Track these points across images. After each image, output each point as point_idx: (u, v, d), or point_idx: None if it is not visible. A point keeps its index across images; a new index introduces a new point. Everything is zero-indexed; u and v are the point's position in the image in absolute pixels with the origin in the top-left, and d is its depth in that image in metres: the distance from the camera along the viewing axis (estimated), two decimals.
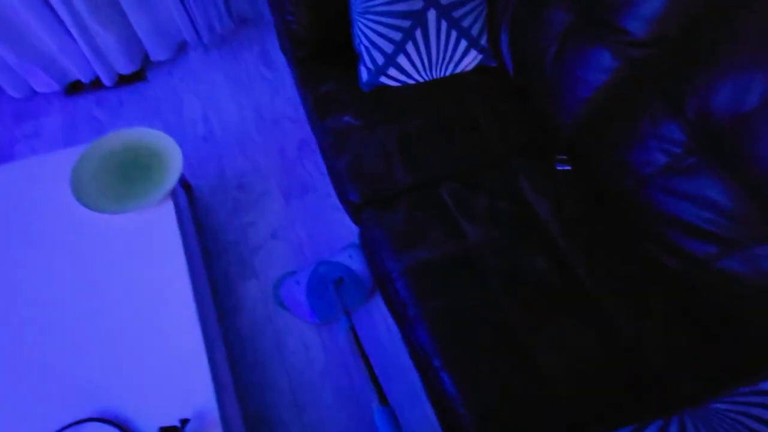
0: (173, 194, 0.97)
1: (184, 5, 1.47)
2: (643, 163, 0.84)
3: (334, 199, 1.34)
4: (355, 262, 1.19)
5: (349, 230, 1.30)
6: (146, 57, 1.58)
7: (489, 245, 0.86)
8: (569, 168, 0.99)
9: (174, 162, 0.97)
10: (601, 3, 0.90)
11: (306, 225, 1.31)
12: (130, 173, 0.97)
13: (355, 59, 1.11)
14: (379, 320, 1.16)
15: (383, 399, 0.82)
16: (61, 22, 1.31)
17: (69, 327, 0.82)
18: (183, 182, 1.27)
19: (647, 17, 0.84)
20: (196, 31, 1.57)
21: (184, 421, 0.71)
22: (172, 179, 0.95)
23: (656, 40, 0.85)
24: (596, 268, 0.85)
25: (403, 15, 1.01)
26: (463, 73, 1.15)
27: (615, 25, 0.88)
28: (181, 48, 1.64)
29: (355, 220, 1.01)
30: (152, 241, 0.92)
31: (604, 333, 0.76)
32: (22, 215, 0.93)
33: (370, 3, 0.99)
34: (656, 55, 0.85)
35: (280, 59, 1.64)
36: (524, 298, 0.79)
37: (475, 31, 1.10)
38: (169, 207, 0.96)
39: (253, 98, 1.55)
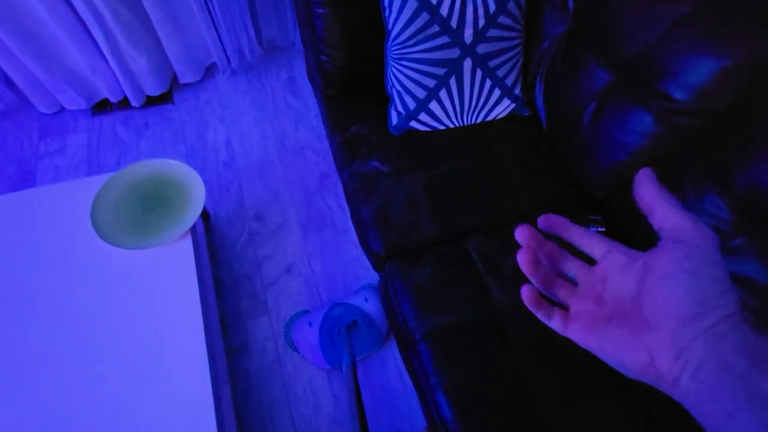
0: (192, 229, 0.95)
1: (216, 30, 1.48)
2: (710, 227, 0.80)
3: (352, 236, 1.32)
4: (371, 306, 1.15)
5: (366, 270, 1.27)
6: (175, 79, 1.59)
7: (517, 311, 0.81)
8: (603, 229, 0.95)
9: (196, 197, 0.95)
10: (645, 67, 0.87)
11: (322, 261, 1.28)
12: (151, 205, 0.95)
13: (385, 101, 1.10)
14: (392, 371, 1.12)
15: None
16: (95, 43, 1.32)
17: (73, 361, 0.80)
18: (202, 211, 1.25)
19: (694, 86, 0.81)
20: (226, 55, 1.58)
21: None
22: (192, 216, 0.92)
23: (703, 110, 0.82)
24: None
25: (440, 63, 0.99)
26: (494, 121, 1.12)
27: (659, 90, 0.85)
28: (209, 71, 1.65)
29: (376, 267, 0.98)
30: (167, 277, 0.90)
31: (642, 424, 0.71)
32: (39, 243, 0.91)
33: (407, 50, 0.98)
34: (703, 125, 0.82)
35: (306, 88, 1.63)
36: (556, 374, 0.74)
37: (509, 81, 1.08)
38: (188, 243, 0.94)
39: (277, 126, 1.54)
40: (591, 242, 0.30)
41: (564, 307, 0.29)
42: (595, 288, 0.28)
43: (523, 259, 0.30)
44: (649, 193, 0.26)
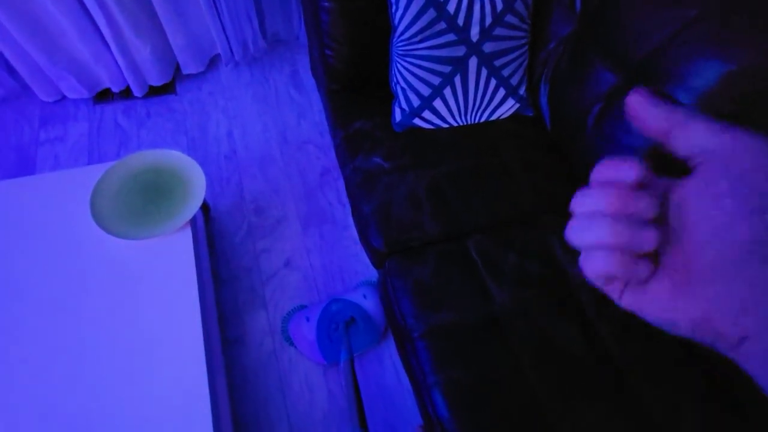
0: (192, 220, 0.95)
1: (221, 21, 1.47)
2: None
3: (352, 232, 1.31)
4: (369, 303, 1.15)
5: (365, 266, 1.27)
6: (178, 69, 1.58)
7: (518, 311, 0.81)
8: None
9: (197, 189, 0.95)
10: (651, 69, 0.87)
11: (321, 256, 1.28)
12: (151, 196, 0.95)
13: (389, 97, 1.09)
14: (389, 368, 1.11)
15: (363, 425, 0.77)
16: (98, 32, 1.32)
17: (68, 349, 0.79)
18: (202, 203, 1.25)
19: (700, 90, 0.80)
20: (230, 47, 1.57)
21: None
22: (193, 207, 0.92)
23: (709, 113, 0.81)
24: (630, 345, 0.80)
25: (445, 60, 0.99)
26: (498, 121, 1.12)
27: (665, 93, 0.85)
28: (213, 63, 1.65)
29: (376, 264, 0.97)
30: (165, 268, 0.89)
31: (641, 426, 0.71)
32: (38, 231, 0.91)
33: (412, 46, 0.97)
34: None
35: (309, 82, 1.63)
36: (555, 375, 0.74)
37: (514, 81, 1.07)
38: (187, 234, 0.93)
39: (279, 120, 1.54)
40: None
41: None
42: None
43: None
44: (657, 115, 0.20)
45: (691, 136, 0.20)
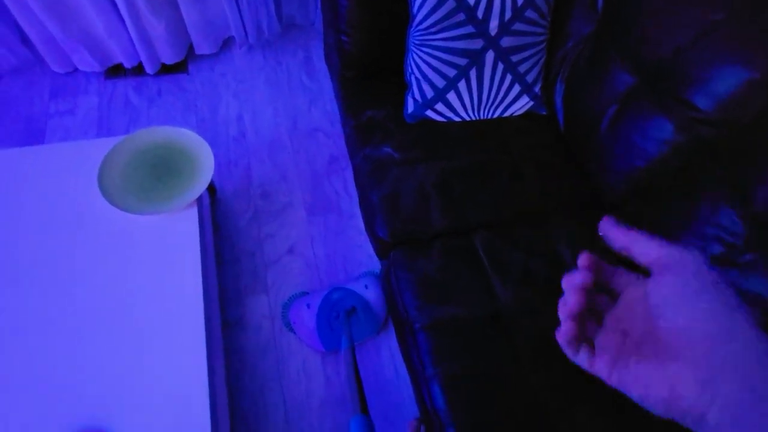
0: (198, 200, 0.95)
1: (237, 2, 1.46)
2: (696, 249, 0.79)
3: (357, 222, 1.31)
4: (371, 293, 1.15)
5: (368, 257, 1.26)
6: (191, 49, 1.57)
7: (521, 309, 0.81)
8: None
9: (205, 168, 0.94)
10: (670, 73, 0.85)
11: (325, 245, 1.27)
12: (159, 172, 0.95)
13: (402, 88, 1.08)
14: (386, 359, 1.11)
15: (364, 409, 0.77)
16: (114, 6, 1.31)
17: (70, 319, 0.80)
18: (209, 184, 1.24)
19: (720, 96, 0.79)
20: (244, 30, 1.56)
21: None
22: (200, 186, 0.92)
23: (727, 121, 0.80)
24: None
25: (461, 53, 0.98)
26: (510, 118, 1.11)
27: (683, 97, 0.83)
28: (226, 44, 1.63)
29: (380, 254, 0.97)
30: (170, 246, 0.89)
31: (636, 427, 0.71)
32: (45, 200, 0.91)
33: (430, 36, 0.96)
34: (725, 136, 0.81)
35: (322, 69, 1.62)
36: (555, 374, 0.74)
37: (530, 78, 1.06)
38: (193, 213, 0.93)
39: (290, 105, 1.53)
40: (620, 277, 0.29)
41: (591, 344, 0.29)
42: (621, 321, 0.28)
43: (570, 284, 0.29)
44: (619, 238, 0.27)
45: (645, 251, 0.25)
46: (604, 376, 0.26)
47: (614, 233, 0.27)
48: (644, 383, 0.24)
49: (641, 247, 0.26)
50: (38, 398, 0.73)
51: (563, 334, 0.28)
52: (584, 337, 0.28)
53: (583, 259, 0.29)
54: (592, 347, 0.28)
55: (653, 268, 0.25)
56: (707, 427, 0.21)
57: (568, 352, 0.28)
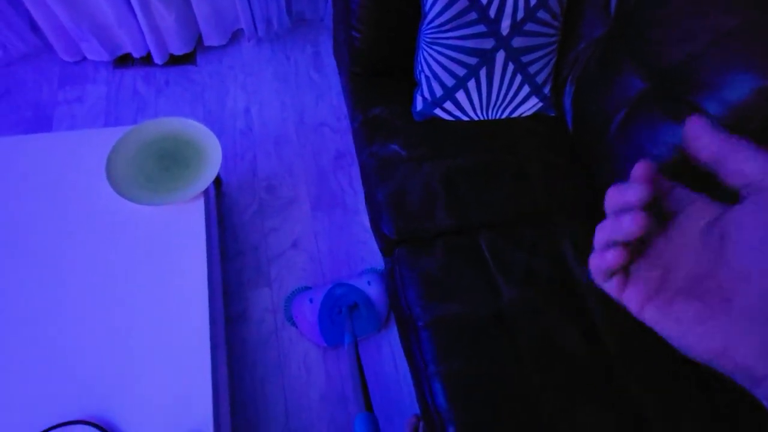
0: (205, 192, 0.95)
1: None
2: None
3: (361, 218, 1.31)
4: (373, 290, 1.15)
5: (372, 254, 1.26)
6: (200, 40, 1.57)
7: (524, 309, 0.81)
8: None
9: (213, 160, 0.95)
10: (682, 78, 0.85)
11: (329, 240, 1.28)
12: (166, 163, 0.95)
13: (411, 85, 1.08)
14: (387, 356, 1.12)
15: (369, 406, 0.78)
16: None
17: (74, 314, 0.80)
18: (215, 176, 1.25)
19: (730, 103, 0.79)
20: (254, 23, 1.56)
21: None
22: (208, 178, 0.92)
23: (736, 128, 0.80)
24: (632, 353, 0.80)
25: (472, 52, 0.97)
26: (519, 119, 1.10)
27: (693, 102, 0.83)
28: (235, 37, 1.63)
29: (385, 251, 0.97)
30: (175, 237, 0.90)
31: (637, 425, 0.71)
32: (52, 188, 0.91)
33: (441, 34, 0.96)
34: None
35: (330, 65, 1.61)
36: (555, 375, 0.74)
37: (540, 79, 1.06)
38: (200, 205, 0.93)
39: (297, 100, 1.53)
40: (680, 197, 0.23)
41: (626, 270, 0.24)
42: (669, 252, 0.22)
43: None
44: (714, 142, 0.20)
45: (745, 162, 0.19)
46: (633, 308, 0.23)
47: (709, 136, 0.20)
48: (689, 330, 0.20)
49: (742, 159, 0.19)
50: (40, 387, 0.73)
51: (600, 262, 0.22)
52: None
53: (640, 169, 0.22)
54: (625, 273, 0.23)
55: (748, 192, 0.19)
56: (763, 389, 0.18)
57: (598, 278, 0.24)
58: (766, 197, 0.18)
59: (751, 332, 0.18)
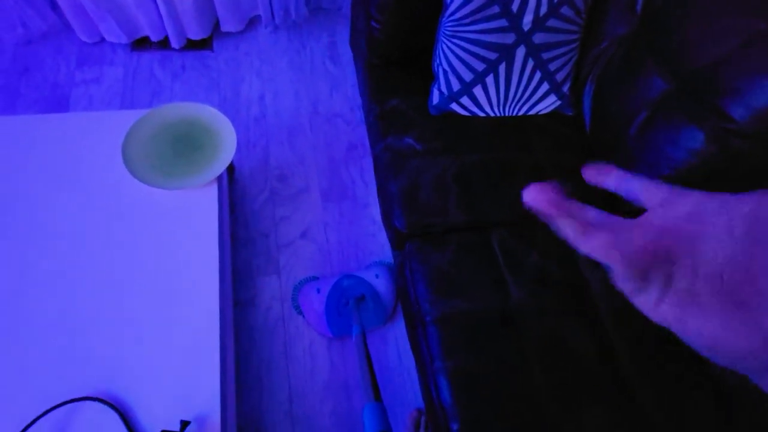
0: (218, 178, 0.95)
1: None
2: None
3: (371, 211, 1.31)
4: (381, 283, 1.15)
5: (380, 247, 1.26)
6: (216, 26, 1.57)
7: (533, 309, 0.80)
8: None
9: (227, 146, 0.95)
10: (707, 81, 0.83)
11: (338, 231, 1.28)
12: (181, 148, 0.95)
13: (428, 78, 1.07)
14: (392, 348, 1.12)
15: (378, 397, 0.78)
16: None
17: (87, 293, 0.81)
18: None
19: (757, 108, 0.77)
20: (272, 10, 1.55)
21: (185, 424, 0.68)
22: (222, 164, 0.92)
23: (761, 134, 0.78)
24: (641, 358, 0.79)
25: (492, 47, 0.96)
26: (535, 116, 1.09)
27: (718, 107, 0.81)
28: (252, 23, 1.63)
29: (395, 245, 0.97)
30: (188, 222, 0.90)
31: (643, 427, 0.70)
32: (68, 168, 0.92)
33: (461, 28, 0.95)
34: (757, 150, 0.79)
35: (346, 55, 1.60)
36: (561, 376, 0.73)
37: (560, 77, 1.04)
38: (213, 191, 0.94)
39: (312, 90, 1.52)
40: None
41: None
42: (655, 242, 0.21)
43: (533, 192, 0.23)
44: (607, 183, 0.24)
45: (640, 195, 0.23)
46: (646, 304, 0.21)
47: (604, 177, 0.24)
48: (725, 327, 0.19)
49: (635, 190, 0.22)
50: (53, 365, 0.74)
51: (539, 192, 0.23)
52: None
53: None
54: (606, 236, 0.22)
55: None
56: None
57: (560, 221, 0.23)
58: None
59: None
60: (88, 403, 0.69)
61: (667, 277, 0.21)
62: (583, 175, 0.26)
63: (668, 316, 0.20)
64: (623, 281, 0.22)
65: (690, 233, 0.20)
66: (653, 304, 0.21)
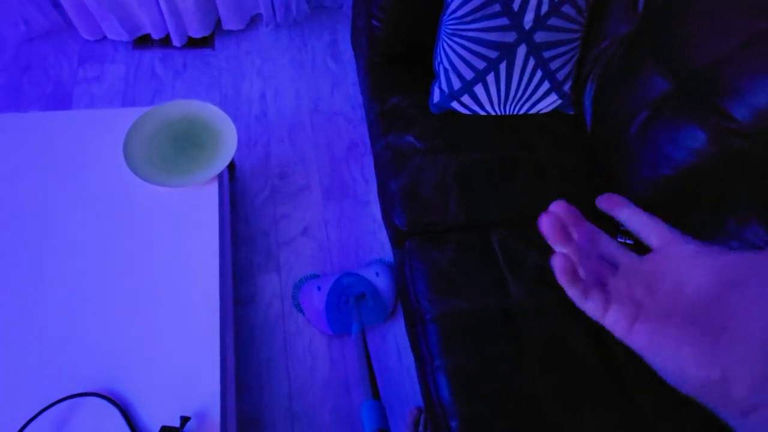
0: (219, 175, 0.95)
1: None
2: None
3: (372, 209, 1.31)
4: (381, 281, 1.15)
5: (380, 245, 1.27)
6: (218, 24, 1.57)
7: (533, 308, 0.81)
8: (632, 242, 0.92)
9: (228, 144, 0.95)
10: (708, 81, 0.83)
11: (338, 229, 1.28)
12: (182, 146, 0.95)
13: (429, 77, 1.07)
14: (391, 346, 1.12)
15: (376, 394, 0.78)
16: None
17: (87, 290, 0.81)
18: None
19: (758, 108, 0.77)
20: (273, 8, 1.55)
21: (185, 420, 0.68)
22: (223, 162, 0.92)
23: (762, 133, 0.78)
24: (640, 358, 0.79)
25: (493, 45, 0.96)
26: (536, 115, 1.09)
27: (719, 106, 0.81)
28: (253, 21, 1.63)
29: (395, 243, 0.97)
30: (189, 219, 0.90)
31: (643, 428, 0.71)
32: (69, 165, 0.92)
33: (462, 26, 0.95)
34: (758, 149, 0.78)
35: (347, 53, 1.60)
36: (560, 376, 0.74)
37: (560, 76, 1.04)
38: (214, 188, 0.94)
39: (313, 88, 1.52)
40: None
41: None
42: (647, 277, 0.23)
43: (546, 224, 0.25)
44: (618, 215, 0.26)
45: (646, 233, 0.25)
46: (620, 329, 0.23)
47: (617, 212, 0.26)
48: (687, 355, 0.20)
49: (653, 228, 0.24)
50: (54, 361, 0.74)
51: (558, 262, 0.24)
52: (596, 282, 0.24)
53: (555, 204, 0.27)
54: (606, 295, 0.24)
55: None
56: (751, 423, 0.18)
57: (572, 292, 0.24)
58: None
59: (751, 363, 0.18)
60: (89, 398, 0.70)
61: (639, 302, 0.23)
62: (597, 204, 0.27)
63: (641, 340, 0.22)
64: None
65: (680, 272, 0.22)
66: (625, 329, 0.23)
